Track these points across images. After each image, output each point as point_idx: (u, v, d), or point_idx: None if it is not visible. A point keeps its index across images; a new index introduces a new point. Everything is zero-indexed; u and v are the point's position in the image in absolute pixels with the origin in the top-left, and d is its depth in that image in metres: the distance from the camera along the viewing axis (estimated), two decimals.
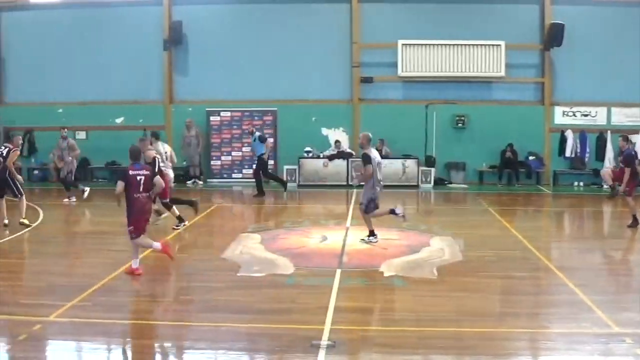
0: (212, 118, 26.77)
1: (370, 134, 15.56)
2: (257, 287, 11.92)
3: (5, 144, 18.40)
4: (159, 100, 27.18)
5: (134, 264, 12.91)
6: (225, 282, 12.20)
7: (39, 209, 20.23)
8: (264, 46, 26.57)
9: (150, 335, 9.75)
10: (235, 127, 26.74)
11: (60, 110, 27.64)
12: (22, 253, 15.31)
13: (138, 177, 12.84)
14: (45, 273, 13.17)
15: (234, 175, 26.77)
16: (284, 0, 26.48)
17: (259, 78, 26.62)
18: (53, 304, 10.93)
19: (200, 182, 26.05)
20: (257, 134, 23.57)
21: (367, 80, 26.15)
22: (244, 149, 26.58)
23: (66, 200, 21.92)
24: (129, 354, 9.22)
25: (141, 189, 12.84)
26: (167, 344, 9.57)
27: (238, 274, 12.71)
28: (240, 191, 24.94)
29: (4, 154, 17.71)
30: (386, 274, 12.60)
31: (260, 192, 23.27)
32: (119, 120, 27.19)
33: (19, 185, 18.01)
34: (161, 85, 27.15)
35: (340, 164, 25.41)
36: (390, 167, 24.83)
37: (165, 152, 18.14)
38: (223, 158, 26.75)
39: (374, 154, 15.30)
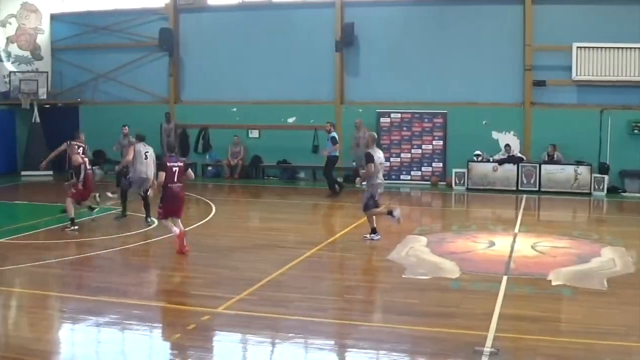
0: (382, 119, 26.82)
1: (375, 135, 16.52)
2: (421, 289, 11.88)
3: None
4: (330, 101, 27.49)
5: (175, 231, 14.54)
6: (390, 284, 12.22)
7: (211, 204, 20.90)
8: (434, 48, 26.39)
9: (314, 332, 9.86)
10: (405, 129, 26.69)
11: (234, 109, 28.45)
12: (194, 246, 15.81)
13: (174, 168, 14.46)
14: (216, 266, 13.58)
15: (402, 177, 26.73)
16: (455, 3, 26.23)
17: (429, 80, 26.47)
18: (222, 296, 11.26)
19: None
20: (333, 134, 23.70)
21: (539, 83, 25.53)
22: (412, 150, 26.52)
23: (112, 194, 21.78)
24: (293, 349, 9.37)
25: (175, 179, 14.45)
26: (330, 342, 9.66)
27: (403, 276, 12.70)
28: (408, 193, 24.88)
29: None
30: (554, 283, 12.27)
31: (334, 192, 23.48)
32: (291, 120, 27.70)
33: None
34: (332, 85, 27.45)
35: (510, 169, 24.91)
36: (562, 174, 24.17)
37: (146, 152, 18.32)
38: (392, 159, 26.75)
39: (378, 154, 15.94)
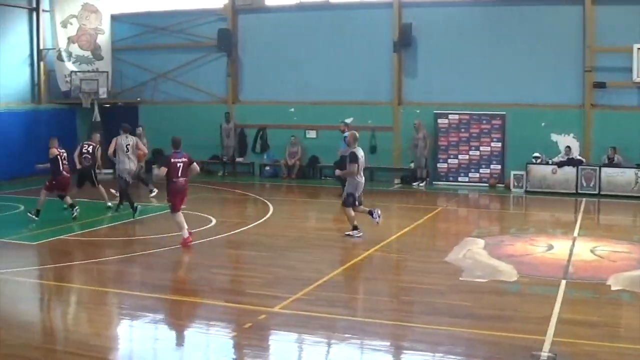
0: (439, 120, 26.68)
1: (357, 134, 16.94)
2: (478, 292, 11.80)
3: (88, 142, 20.19)
4: (388, 102, 27.42)
5: (184, 234, 15.09)
6: (447, 286, 12.15)
7: (269, 203, 21.02)
8: (493, 49, 26.09)
9: (370, 333, 9.85)
10: (462, 130, 26.51)
11: (292, 110, 28.55)
12: (251, 245, 15.92)
13: (178, 164, 15.16)
14: (273, 266, 13.65)
15: (459, 179, 26.56)
16: (514, 3, 25.94)
17: (487, 81, 26.21)
18: (278, 295, 11.32)
19: (422, 185, 25.99)
20: (347, 134, 23.57)
21: (599, 85, 25.13)
22: (470, 152, 26.34)
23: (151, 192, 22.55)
24: (348, 349, 9.37)
25: (179, 174, 15.16)
26: (386, 343, 9.65)
27: (460, 278, 12.62)
28: (466, 194, 24.70)
29: (91, 151, 19.72)
30: (613, 288, 12.07)
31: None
32: (348, 121, 27.61)
33: (97, 177, 20.10)
34: (390, 86, 27.37)
35: (569, 172, 24.58)
36: (622, 177, 23.77)
37: (127, 144, 19.46)
38: (450, 161, 26.60)
39: (361, 153, 16.37)
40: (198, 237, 16.08)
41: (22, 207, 19.89)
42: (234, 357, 9.25)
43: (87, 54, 30.45)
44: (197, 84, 29.93)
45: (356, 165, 15.99)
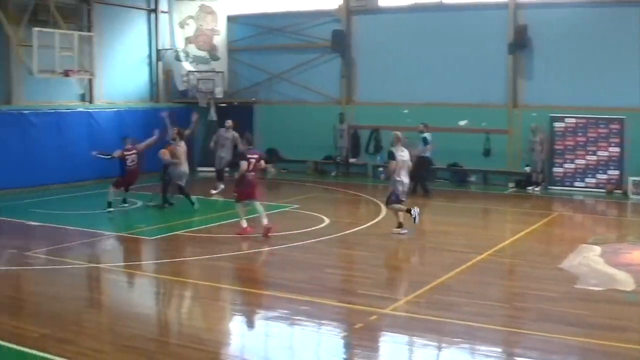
0: (556, 124, 26.16)
1: (400, 134, 17.25)
2: (593, 301, 11.53)
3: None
4: (503, 104, 27.01)
5: (242, 224, 16.48)
6: (561, 293, 11.92)
7: (381, 205, 20.97)
8: (611, 51, 25.13)
9: (481, 338, 9.74)
10: (579, 134, 25.92)
11: (406, 111, 28.43)
12: (364, 246, 15.99)
13: (251, 160, 16.57)
14: (385, 267, 13.72)
15: (575, 184, 25.99)
16: (633, 4, 25.04)
17: (605, 84, 25.43)
18: (390, 297, 11.37)
19: (537, 189, 25.51)
20: (424, 135, 23.68)
21: None
22: (587, 157, 25.73)
23: (214, 191, 23.21)
24: (458, 354, 9.32)
25: (250, 169, 16.48)
26: (497, 349, 9.54)
27: (575, 286, 12.36)
28: (582, 200, 24.13)
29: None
30: None
31: (426, 191, 23.49)
32: (462, 123, 27.40)
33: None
34: (505, 89, 26.97)
35: None
36: None
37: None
38: (566, 165, 26.05)
39: (401, 153, 16.87)
40: (311, 236, 16.25)
41: (139, 203, 20.59)
42: (345, 357, 9.32)
43: (204, 54, 31.09)
44: (311, 84, 30.17)
45: (395, 162, 16.76)
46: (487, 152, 26.55)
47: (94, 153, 20.68)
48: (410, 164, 17.27)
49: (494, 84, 26.89)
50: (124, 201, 20.66)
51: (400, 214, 16.89)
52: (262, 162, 17.04)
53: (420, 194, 22.98)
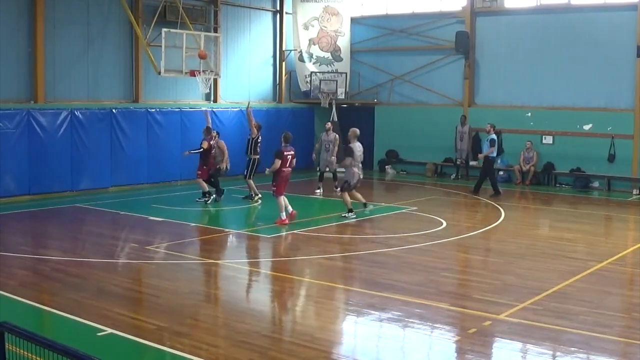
0: None
1: (358, 131, 19.29)
2: None
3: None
4: (630, 109, 26.22)
5: (282, 216, 17.61)
6: None
7: (501, 209, 20.78)
8: None
9: (598, 348, 9.50)
10: None
11: (529, 114, 27.96)
12: (480, 250, 15.86)
13: (287, 156, 17.84)
14: (501, 272, 13.53)
15: None
16: None
17: None
18: (505, 303, 11.22)
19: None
20: (492, 136, 23.43)
21: None
22: None
23: (318, 190, 23.51)
24: None
25: (287, 165, 17.85)
26: None
27: None
28: None
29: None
30: None
31: (496, 192, 23.36)
32: (587, 127, 26.78)
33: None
34: (631, 92, 26.14)
35: None
36: None
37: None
38: None
39: (357, 148, 18.78)
40: (428, 238, 16.22)
41: (260, 201, 20.94)
42: None
43: (327, 55, 31.35)
44: (433, 86, 30.03)
45: (351, 158, 18.52)
46: (611, 158, 25.85)
47: (185, 153, 21.75)
48: (362, 157, 19.13)
49: (620, 88, 26.14)
50: (204, 195, 21.24)
51: (351, 201, 18.69)
52: (294, 159, 18.33)
53: (486, 193, 23.61)
